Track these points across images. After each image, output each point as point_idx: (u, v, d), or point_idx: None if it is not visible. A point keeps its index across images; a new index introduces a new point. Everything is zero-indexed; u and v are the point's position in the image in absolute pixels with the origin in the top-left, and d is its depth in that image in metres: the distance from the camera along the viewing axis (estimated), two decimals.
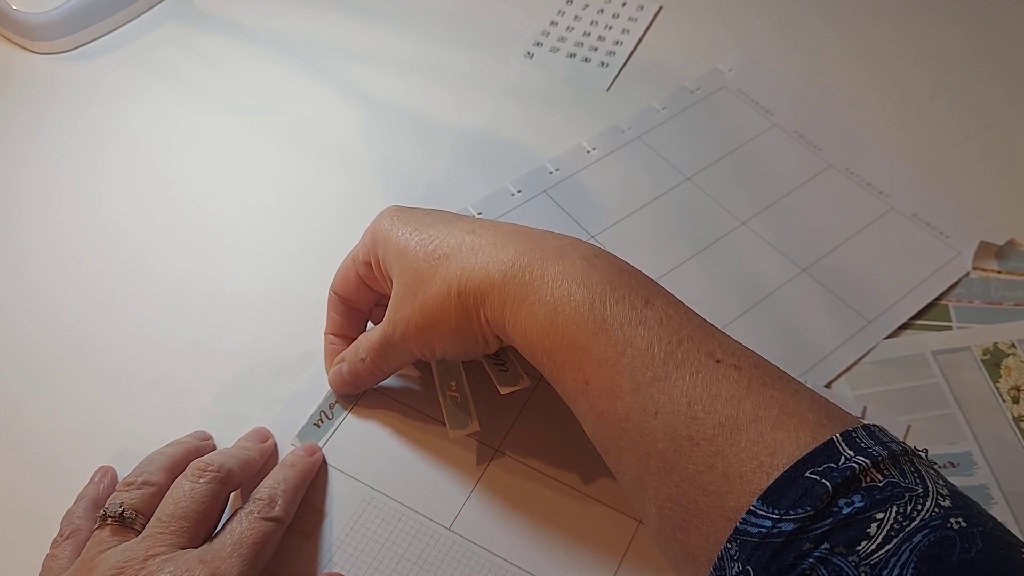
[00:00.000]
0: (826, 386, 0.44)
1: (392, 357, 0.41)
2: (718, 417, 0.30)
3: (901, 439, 0.31)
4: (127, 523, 0.36)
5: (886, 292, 0.48)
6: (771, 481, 0.28)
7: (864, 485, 0.28)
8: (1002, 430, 0.43)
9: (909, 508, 0.27)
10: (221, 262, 0.50)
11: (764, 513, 0.28)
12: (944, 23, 0.62)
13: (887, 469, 0.28)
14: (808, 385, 0.44)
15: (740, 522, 0.28)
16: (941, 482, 0.29)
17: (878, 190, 0.52)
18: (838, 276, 0.48)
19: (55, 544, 0.37)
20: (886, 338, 0.46)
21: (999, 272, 0.49)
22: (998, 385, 0.44)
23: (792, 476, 0.28)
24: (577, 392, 0.35)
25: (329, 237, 0.51)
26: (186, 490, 0.36)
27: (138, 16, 0.64)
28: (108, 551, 0.34)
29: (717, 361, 0.32)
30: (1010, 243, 0.49)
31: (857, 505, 0.27)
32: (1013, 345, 0.45)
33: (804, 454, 0.28)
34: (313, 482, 0.41)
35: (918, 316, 0.47)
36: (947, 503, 0.27)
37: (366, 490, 0.41)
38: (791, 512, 0.27)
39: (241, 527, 0.36)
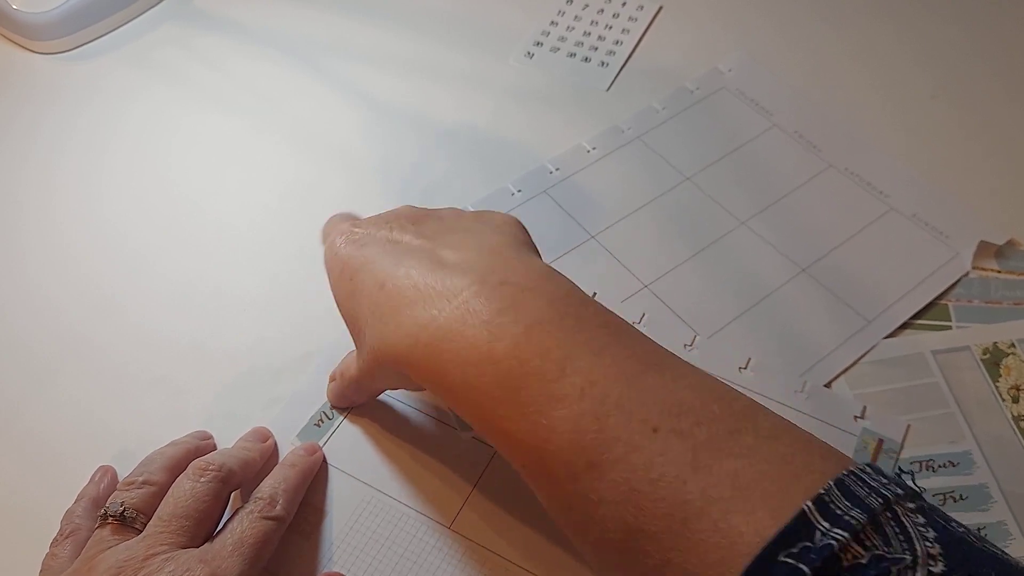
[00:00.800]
0: (825, 386, 0.44)
1: (369, 390, 0.42)
2: (664, 506, 0.27)
3: (886, 472, 0.27)
4: (128, 522, 0.36)
5: (886, 292, 0.48)
6: (741, 573, 0.25)
7: (847, 565, 0.24)
8: (1002, 430, 0.43)
9: None
10: (221, 262, 0.50)
11: None
12: (944, 23, 0.62)
13: (869, 540, 0.25)
14: (792, 401, 0.44)
15: None
16: (931, 535, 0.25)
17: (878, 190, 0.52)
18: (838, 276, 0.48)
19: (55, 543, 0.37)
20: (886, 338, 0.46)
21: (999, 272, 0.49)
22: (998, 384, 0.44)
23: (765, 564, 0.25)
24: (519, 474, 0.32)
25: None
26: (187, 489, 0.36)
27: (138, 16, 0.64)
28: (108, 550, 0.34)
29: (654, 430, 0.28)
30: (1010, 243, 0.49)
31: None
32: (1013, 344, 0.45)
33: (772, 537, 0.25)
34: (313, 482, 0.41)
35: (918, 316, 0.47)
36: (940, 567, 0.24)
37: (366, 489, 0.41)
38: None
39: (242, 526, 0.36)
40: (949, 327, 0.46)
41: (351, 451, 0.42)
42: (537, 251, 0.37)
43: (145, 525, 0.36)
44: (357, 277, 0.36)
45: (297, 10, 0.64)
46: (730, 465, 0.27)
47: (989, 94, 0.57)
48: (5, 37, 0.63)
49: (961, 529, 0.26)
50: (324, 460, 0.42)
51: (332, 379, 0.44)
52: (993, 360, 0.45)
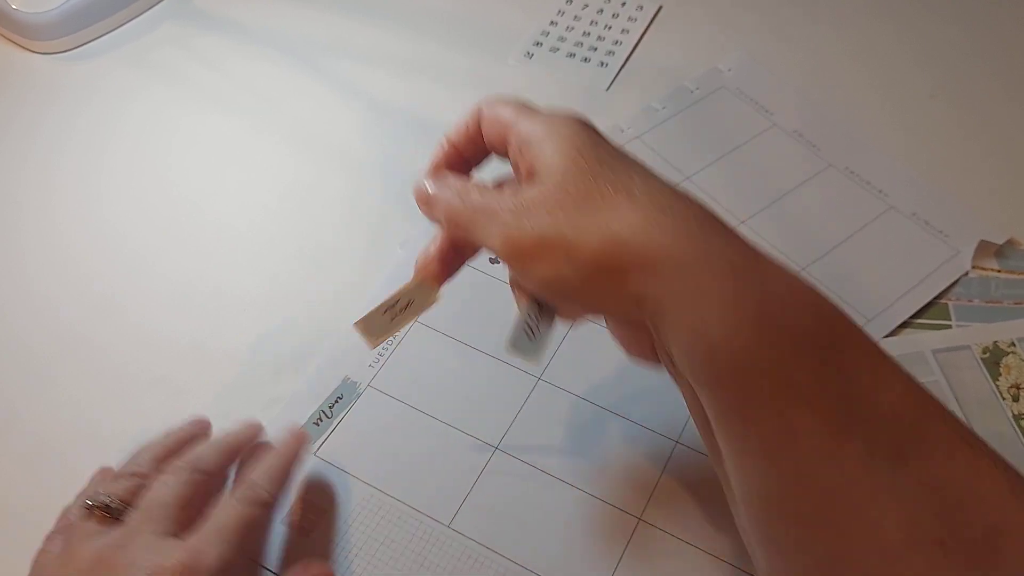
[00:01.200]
0: None
1: (472, 238, 0.32)
2: (980, 525, 0.24)
3: None
4: (113, 513, 0.36)
5: (885, 291, 0.48)
6: None
7: None
8: (1002, 428, 0.43)
9: None
10: (221, 262, 0.50)
11: None
12: (943, 23, 0.62)
13: None
14: None
15: None
16: None
17: (877, 189, 0.52)
18: (837, 275, 0.48)
19: (48, 539, 0.37)
20: (886, 337, 0.46)
21: (998, 271, 0.49)
22: (998, 383, 0.44)
23: None
24: (770, 443, 0.26)
25: (328, 237, 0.51)
26: (167, 482, 0.36)
27: (138, 16, 0.64)
28: (91, 538, 0.34)
29: (971, 446, 0.25)
30: (1009, 242, 0.49)
31: None
32: (1013, 344, 0.45)
33: None
34: (312, 480, 0.41)
35: (918, 315, 0.47)
36: None
37: (365, 488, 0.41)
38: None
39: (224, 512, 0.36)
40: (949, 326, 0.46)
41: (350, 450, 0.42)
42: None
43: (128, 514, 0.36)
44: (620, 158, 0.30)
45: (297, 10, 0.64)
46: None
47: (988, 94, 0.57)
48: (5, 37, 0.63)
49: None
50: (324, 459, 0.42)
51: (442, 178, 0.35)
52: (993, 359, 0.45)
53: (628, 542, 0.39)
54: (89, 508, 0.36)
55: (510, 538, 0.39)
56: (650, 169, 0.31)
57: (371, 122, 0.57)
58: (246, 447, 0.40)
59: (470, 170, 0.37)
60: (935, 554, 0.24)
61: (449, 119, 0.57)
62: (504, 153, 0.34)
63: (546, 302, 0.33)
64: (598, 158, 0.30)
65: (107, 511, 0.36)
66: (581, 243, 0.28)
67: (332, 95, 0.59)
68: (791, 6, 0.63)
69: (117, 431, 0.43)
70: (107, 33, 0.63)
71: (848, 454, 0.25)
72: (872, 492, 0.25)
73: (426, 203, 0.34)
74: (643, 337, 0.30)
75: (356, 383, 0.44)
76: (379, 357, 0.45)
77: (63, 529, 0.37)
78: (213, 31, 0.63)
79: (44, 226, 0.52)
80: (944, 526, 0.24)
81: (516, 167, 0.33)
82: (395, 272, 0.48)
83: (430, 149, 0.55)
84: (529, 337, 0.34)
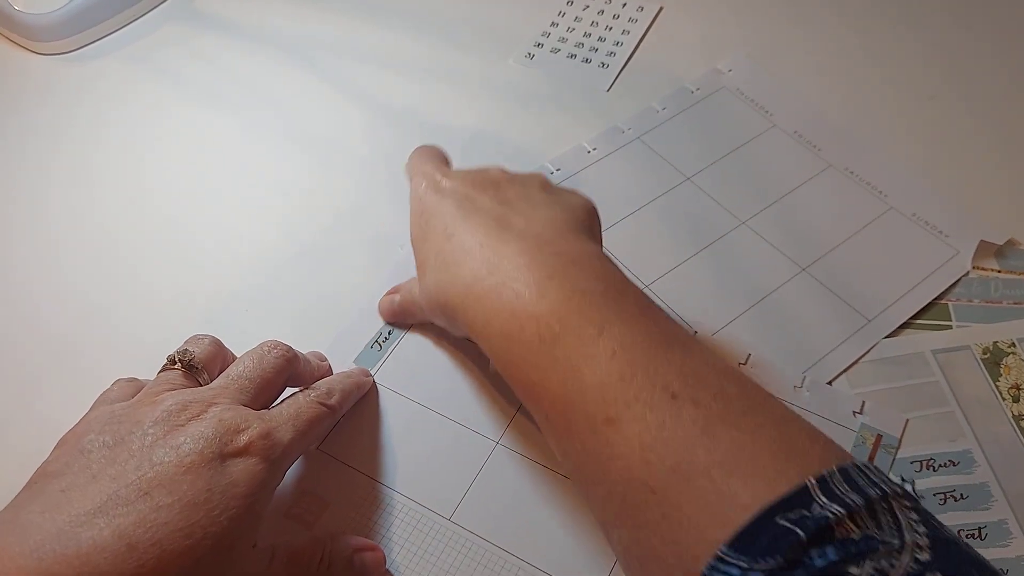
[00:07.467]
0: (827, 383, 0.44)
1: (420, 318, 0.44)
2: (670, 462, 0.29)
3: (888, 475, 0.29)
4: (193, 372, 0.38)
5: (886, 291, 0.48)
6: (730, 533, 0.27)
7: (838, 537, 0.26)
8: (1002, 428, 0.43)
9: (884, 563, 0.25)
10: (222, 263, 0.50)
11: (732, 560, 0.27)
12: (943, 24, 0.62)
13: (863, 520, 0.27)
14: (790, 398, 0.44)
15: (707, 568, 0.27)
16: (922, 530, 0.27)
17: (877, 189, 0.52)
18: (838, 275, 0.48)
19: (118, 380, 0.39)
20: (886, 337, 0.46)
21: (999, 271, 0.49)
22: (998, 384, 0.44)
23: (764, 521, 0.27)
24: (541, 423, 0.35)
25: (329, 237, 0.51)
26: (255, 356, 0.38)
27: (140, 17, 0.64)
28: (176, 390, 0.36)
29: (673, 396, 0.30)
30: (1010, 242, 0.49)
31: (830, 558, 0.26)
32: (1013, 344, 0.45)
33: (773, 501, 0.27)
34: (315, 472, 0.41)
35: (918, 315, 0.47)
36: (926, 556, 0.26)
37: (367, 481, 0.41)
38: (760, 560, 0.26)
39: (298, 404, 0.37)
40: (949, 327, 0.46)
41: (352, 442, 0.42)
42: (596, 237, 0.41)
43: (206, 381, 0.38)
44: (431, 223, 0.40)
45: (298, 10, 0.64)
46: (737, 437, 0.29)
47: (988, 94, 0.58)
48: (7, 38, 0.63)
49: (951, 534, 0.28)
50: (328, 453, 0.42)
51: (394, 292, 0.46)
52: (993, 359, 0.45)
53: None
54: (172, 361, 0.38)
55: (511, 532, 0.39)
56: (450, 223, 0.39)
57: (372, 122, 0.57)
58: (318, 373, 0.43)
59: None
60: (645, 495, 0.29)
61: (450, 119, 0.58)
62: None
63: None
64: (421, 236, 0.40)
65: (188, 368, 0.38)
66: (430, 310, 0.40)
67: (333, 96, 0.59)
68: (791, 7, 0.63)
69: None
70: (109, 34, 0.63)
71: (576, 429, 0.32)
72: (600, 453, 0.31)
73: (400, 318, 0.46)
74: None
75: None
76: (381, 353, 0.45)
77: (133, 380, 0.39)
78: (215, 32, 0.63)
79: (43, 227, 0.52)
80: (645, 470, 0.30)
81: None
82: (395, 272, 0.48)
83: None
84: None
